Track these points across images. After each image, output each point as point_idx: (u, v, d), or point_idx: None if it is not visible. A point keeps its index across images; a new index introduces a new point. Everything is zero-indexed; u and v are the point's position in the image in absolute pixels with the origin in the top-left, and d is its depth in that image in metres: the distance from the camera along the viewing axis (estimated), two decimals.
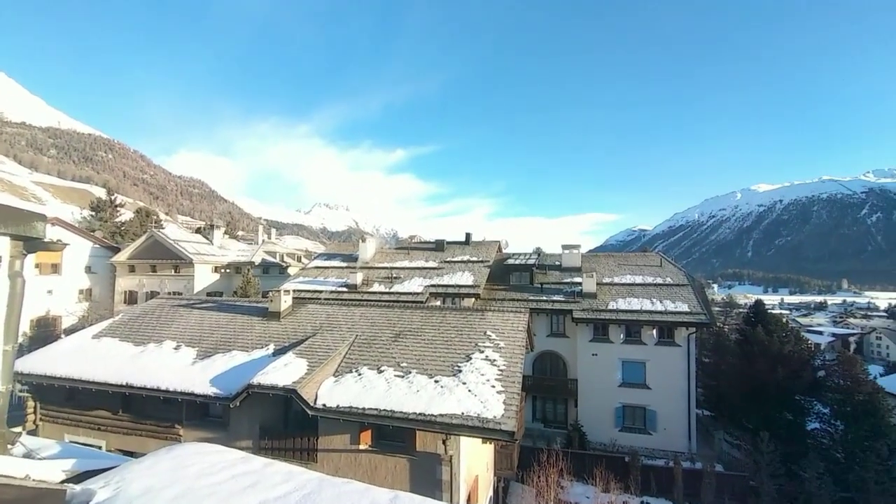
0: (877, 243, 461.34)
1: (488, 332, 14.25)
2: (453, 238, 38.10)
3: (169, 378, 13.35)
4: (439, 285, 29.08)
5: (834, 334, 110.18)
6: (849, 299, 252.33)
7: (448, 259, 33.03)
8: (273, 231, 64.26)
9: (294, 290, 21.81)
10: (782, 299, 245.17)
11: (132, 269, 38.77)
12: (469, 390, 11.36)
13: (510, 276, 31.01)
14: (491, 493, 16.42)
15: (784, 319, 29.60)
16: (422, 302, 26.52)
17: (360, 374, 12.52)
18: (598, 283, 28.20)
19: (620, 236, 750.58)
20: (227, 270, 42.00)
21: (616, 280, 29.15)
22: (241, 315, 17.38)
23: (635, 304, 26.16)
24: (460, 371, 12.27)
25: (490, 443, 15.63)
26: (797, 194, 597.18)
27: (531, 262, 31.14)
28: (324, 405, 11.42)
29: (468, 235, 37.04)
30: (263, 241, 53.34)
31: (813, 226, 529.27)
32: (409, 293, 28.31)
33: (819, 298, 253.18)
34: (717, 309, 54.60)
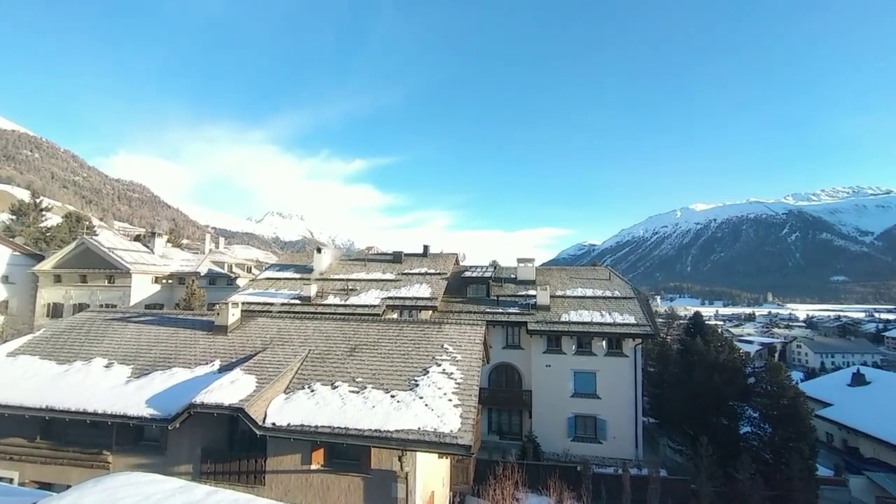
0: (796, 260, 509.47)
1: (445, 345, 14.24)
2: (411, 250, 37.98)
3: (98, 399, 12.23)
4: (397, 298, 28.79)
5: (762, 343, 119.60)
6: (773, 311, 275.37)
7: (406, 271, 32.83)
8: (221, 240, 61.09)
9: (243, 303, 20.77)
10: (717, 311, 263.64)
11: (58, 279, 35.42)
12: (426, 405, 11.25)
13: (467, 288, 31.26)
14: None
15: (719, 330, 31.91)
16: (378, 315, 26.10)
17: (312, 391, 12.07)
18: (551, 296, 29.02)
19: (572, 250, 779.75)
20: (170, 281, 39.40)
21: (568, 293, 30.15)
22: (184, 329, 16.32)
23: (586, 316, 27.14)
24: (417, 385, 12.15)
25: (446, 457, 15.51)
26: (729, 214, 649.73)
27: (488, 274, 31.60)
28: (273, 424, 10.89)
29: (426, 247, 37.08)
30: (210, 250, 50.58)
31: (743, 243, 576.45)
32: (366, 306, 27.80)
33: (748, 310, 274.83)
34: (660, 320, 57.77)
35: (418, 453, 11.39)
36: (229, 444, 12.18)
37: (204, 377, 12.94)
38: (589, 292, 30.03)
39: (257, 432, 10.84)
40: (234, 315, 16.46)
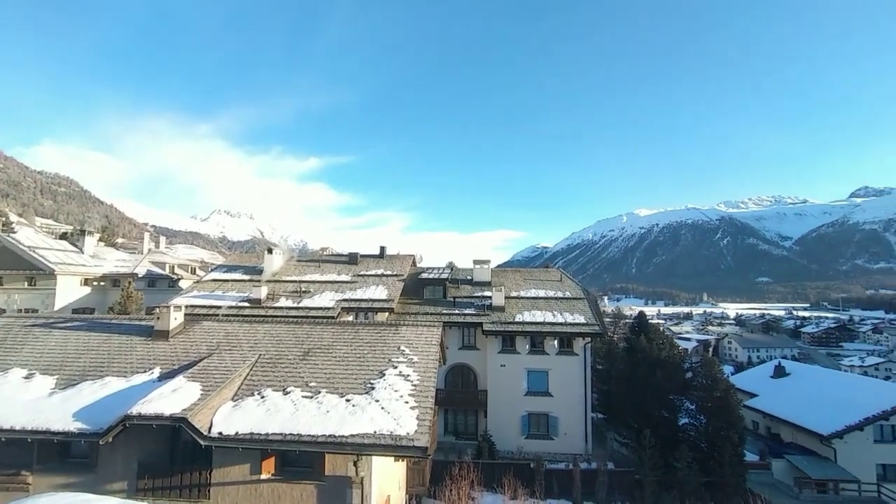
0: (727, 263, 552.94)
1: (402, 347, 14.17)
2: (367, 251, 37.46)
3: (15, 414, 11.10)
4: (352, 300, 28.28)
5: (699, 340, 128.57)
6: (708, 310, 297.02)
7: (361, 272, 32.32)
8: (162, 239, 57.24)
9: (187, 306, 19.60)
10: (659, 310, 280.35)
11: None
12: (382, 408, 11.14)
13: (424, 290, 31.27)
14: None
15: (661, 328, 33.98)
16: (333, 317, 25.51)
17: (263, 397, 11.60)
18: (506, 297, 29.65)
19: (526, 252, 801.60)
20: (102, 283, 36.44)
21: (522, 294, 30.92)
22: (119, 335, 15.15)
23: (539, 316, 27.96)
24: (373, 388, 12.00)
25: (403, 460, 15.41)
26: (670, 219, 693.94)
27: (444, 276, 31.77)
28: (220, 433, 10.35)
29: (382, 249, 36.71)
30: (150, 249, 47.25)
31: (681, 247, 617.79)
32: (320, 308, 27.08)
33: (687, 309, 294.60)
34: (608, 320, 60.56)
35: (374, 457, 11.24)
36: (170, 456, 11.43)
37: (141, 386, 12.08)
38: (542, 293, 30.96)
39: (202, 443, 10.26)
40: (176, 319, 15.48)
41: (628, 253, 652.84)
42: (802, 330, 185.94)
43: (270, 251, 33.34)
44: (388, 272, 32.30)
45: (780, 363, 38.49)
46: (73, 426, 10.66)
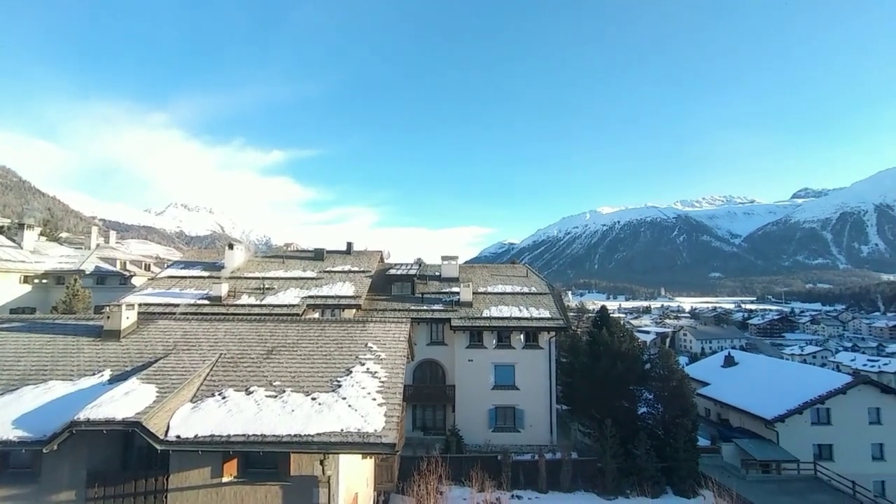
0: (683, 259, 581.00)
1: (370, 344, 14.05)
2: (334, 247, 36.77)
3: None
4: (318, 296, 27.72)
5: (657, 333, 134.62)
6: (665, 304, 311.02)
7: (328, 269, 31.72)
8: (113, 234, 53.91)
9: (141, 304, 18.65)
10: (620, 305, 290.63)
11: None
12: (349, 405, 11.01)
13: (392, 286, 31.06)
14: None
15: (622, 322, 35.29)
16: (298, 314, 24.94)
17: (224, 398, 11.21)
18: (473, 293, 29.92)
19: (493, 248, 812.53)
20: (44, 281, 34.00)
21: (490, 289, 31.30)
22: (64, 336, 14.21)
23: (506, 311, 28.41)
24: (340, 386, 11.84)
25: (371, 457, 15.31)
26: (630, 217, 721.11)
27: (412, 272, 31.68)
28: (178, 437, 9.92)
29: (349, 245, 36.14)
30: (98, 245, 44.45)
31: (641, 244, 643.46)
32: (284, 305, 26.38)
33: (646, 303, 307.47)
34: (572, 314, 62.27)
35: (341, 455, 11.11)
36: (122, 463, 10.85)
37: (90, 390, 11.39)
38: (508, 289, 31.45)
39: (158, 447, 9.80)
40: (128, 318, 14.67)
41: (591, 249, 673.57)
42: (750, 322, 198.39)
43: (231, 247, 32.15)
44: (356, 268, 31.86)
45: (729, 353, 40.87)
46: (13, 434, 9.92)
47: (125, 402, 10.27)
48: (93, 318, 16.45)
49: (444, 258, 34.28)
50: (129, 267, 42.21)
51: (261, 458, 10.71)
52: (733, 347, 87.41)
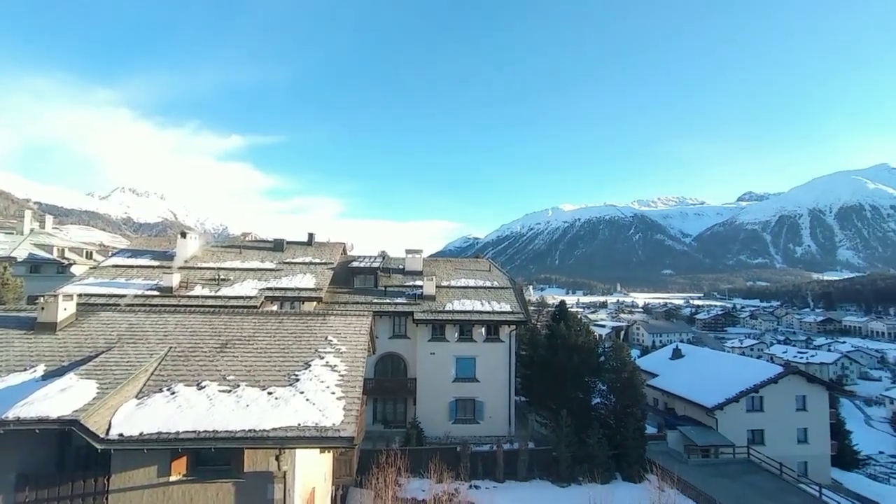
0: (639, 256, 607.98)
1: (330, 337, 13.84)
2: (296, 238, 35.75)
3: None
4: (277, 288, 26.93)
5: (612, 327, 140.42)
6: (621, 299, 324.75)
7: (288, 260, 30.83)
8: (49, 218, 49.89)
9: (81, 295, 17.48)
10: (578, 300, 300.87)
11: None
12: (307, 399, 10.83)
13: (355, 279, 30.66)
14: (329, 503, 15.87)
15: (579, 316, 36.60)
16: (255, 307, 24.14)
17: (173, 393, 10.73)
18: (437, 286, 30.05)
19: (458, 243, 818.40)
20: None
21: (453, 283, 31.54)
22: None
23: (468, 305, 28.75)
24: (298, 380, 11.61)
25: (329, 451, 15.14)
26: (590, 215, 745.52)
27: (376, 265, 31.37)
28: (121, 435, 9.41)
29: (311, 235, 35.23)
30: (32, 230, 41.05)
31: (600, 241, 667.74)
32: (241, 297, 25.45)
33: (602, 299, 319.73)
34: (532, 308, 63.83)
35: (298, 450, 10.92)
36: (58, 464, 10.18)
37: (20, 387, 10.58)
38: (471, 283, 31.81)
39: (98, 447, 9.25)
40: (66, 309, 13.69)
41: (553, 245, 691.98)
42: (697, 317, 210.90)
43: (184, 235, 30.59)
44: (317, 260, 31.15)
45: (677, 346, 43.27)
46: None
47: (61, 399, 9.61)
48: (25, 309, 15.21)
49: (408, 251, 34.16)
50: (67, 255, 39.30)
51: (212, 455, 10.34)
52: (681, 341, 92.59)
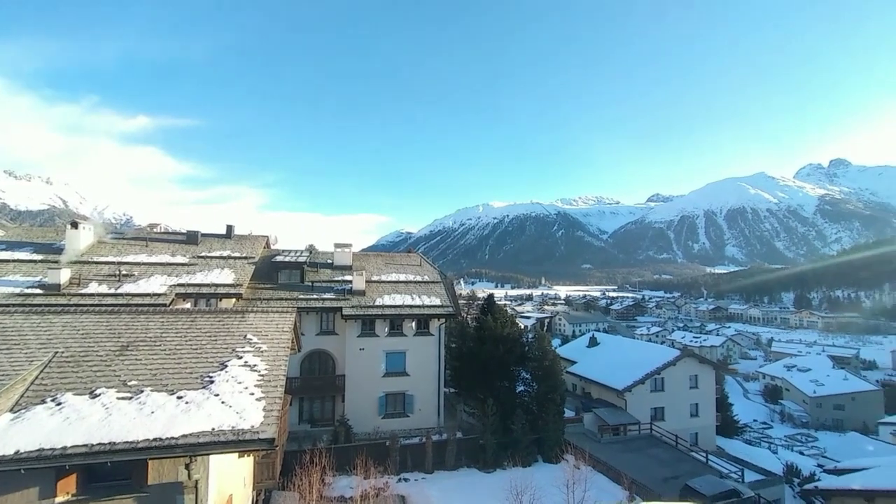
0: (561, 251, 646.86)
1: (249, 336, 13.09)
2: (213, 230, 33.09)
3: None
4: (190, 284, 24.78)
5: (537, 318, 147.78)
6: (545, 292, 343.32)
7: (203, 254, 28.48)
8: None
9: None
10: (507, 293, 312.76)
11: None
12: (223, 402, 10.19)
13: (279, 274, 29.17)
14: None
15: (506, 308, 38.11)
16: (165, 305, 22.06)
17: (59, 404, 9.52)
18: (367, 281, 29.58)
19: (391, 237, 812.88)
20: None
21: (384, 278, 31.25)
22: None
23: (399, 299, 28.70)
24: (213, 382, 10.87)
25: (248, 455, 14.35)
26: (518, 212, 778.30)
27: (302, 259, 30.13)
28: None
29: (230, 228, 32.84)
30: None
31: (527, 237, 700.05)
32: (147, 294, 23.08)
33: (528, 291, 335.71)
34: (462, 301, 65.28)
35: (213, 456, 10.25)
36: None
37: None
38: (402, 277, 31.76)
39: None
40: None
41: (483, 240, 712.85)
42: (611, 307, 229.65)
43: (76, 225, 26.95)
44: (237, 254, 29.15)
45: (593, 335, 46.78)
46: None
47: None
48: None
49: (336, 245, 33.20)
50: None
51: (110, 470, 9.34)
52: (597, 330, 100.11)
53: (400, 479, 22.53)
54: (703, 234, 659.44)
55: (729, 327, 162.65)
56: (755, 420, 66.19)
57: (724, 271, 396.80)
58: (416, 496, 20.47)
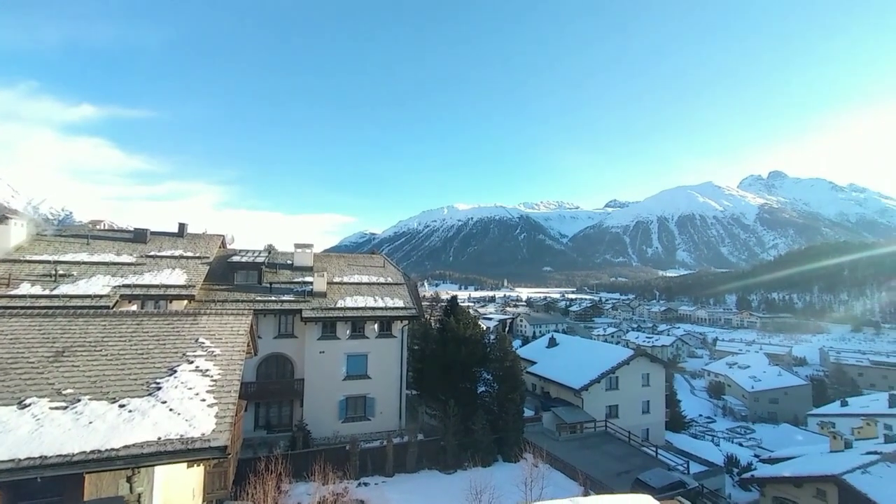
0: (524, 254, 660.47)
1: (201, 339, 12.51)
2: (165, 228, 31.32)
3: None
4: (137, 286, 23.32)
5: (499, 319, 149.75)
6: (507, 294, 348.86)
7: (152, 253, 26.90)
8: None
9: None
10: (470, 294, 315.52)
11: None
12: (171, 409, 9.67)
13: (235, 274, 28.04)
14: None
15: (469, 310, 38.47)
16: (108, 307, 20.65)
17: None
18: (328, 283, 28.99)
19: (354, 238, 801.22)
20: None
21: (346, 279, 30.73)
22: None
23: (361, 301, 28.31)
24: (160, 388, 10.30)
25: (199, 465, 13.69)
26: (482, 214, 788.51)
27: (260, 260, 29.09)
28: None
29: (182, 226, 31.18)
30: None
31: (490, 239, 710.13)
32: (87, 296, 21.49)
33: (491, 293, 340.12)
34: (426, 303, 65.14)
35: (158, 468, 9.71)
36: None
37: None
38: (365, 279, 31.36)
39: None
40: None
41: (448, 242, 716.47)
42: (570, 309, 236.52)
43: (5, 220, 24.74)
44: (189, 254, 27.73)
45: (552, 336, 48.06)
46: None
47: None
48: None
49: (297, 246, 32.34)
50: None
51: (40, 487, 8.64)
52: (557, 331, 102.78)
53: (360, 484, 22.21)
54: (657, 239, 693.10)
55: (679, 328, 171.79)
56: (700, 415, 70.14)
57: (675, 275, 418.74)
58: (375, 500, 20.25)
